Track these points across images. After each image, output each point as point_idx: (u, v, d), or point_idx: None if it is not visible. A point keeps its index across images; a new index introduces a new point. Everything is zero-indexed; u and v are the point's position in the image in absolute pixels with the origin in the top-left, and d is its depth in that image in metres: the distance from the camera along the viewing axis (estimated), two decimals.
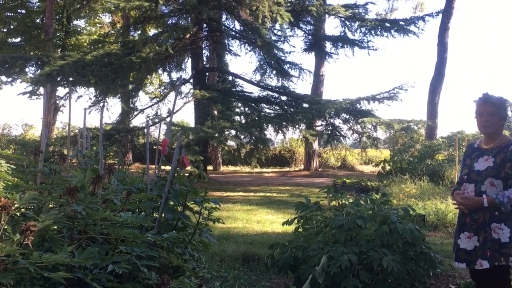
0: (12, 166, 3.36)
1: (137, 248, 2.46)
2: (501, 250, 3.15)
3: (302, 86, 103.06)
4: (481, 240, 3.21)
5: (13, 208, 1.81)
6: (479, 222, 3.24)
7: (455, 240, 3.43)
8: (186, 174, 3.40)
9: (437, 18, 19.19)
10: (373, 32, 19.01)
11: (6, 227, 1.87)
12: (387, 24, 18.81)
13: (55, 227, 2.33)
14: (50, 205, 2.60)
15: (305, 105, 18.17)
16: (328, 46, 20.27)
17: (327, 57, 20.86)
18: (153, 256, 2.54)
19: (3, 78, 21.73)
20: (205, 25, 18.53)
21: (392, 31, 18.66)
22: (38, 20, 26.53)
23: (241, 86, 20.22)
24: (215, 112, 16.81)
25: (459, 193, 3.40)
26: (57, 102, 23.13)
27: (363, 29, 19.21)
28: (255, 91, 19.88)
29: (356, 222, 3.81)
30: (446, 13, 19.81)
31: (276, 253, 4.26)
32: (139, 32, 19.99)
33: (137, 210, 3.38)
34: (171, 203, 3.28)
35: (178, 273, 3.06)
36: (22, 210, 2.50)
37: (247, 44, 19.53)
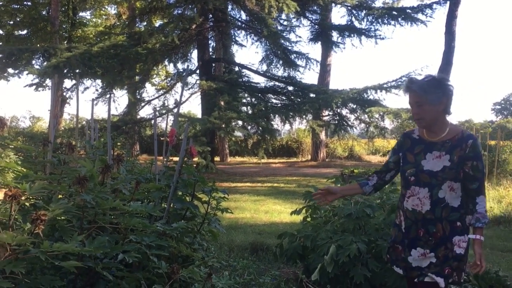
0: (21, 157, 3.37)
1: (147, 237, 2.46)
2: (460, 265, 2.60)
3: (308, 76, 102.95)
4: (441, 258, 2.59)
5: (23, 197, 1.82)
6: (437, 236, 2.59)
7: (395, 255, 2.77)
8: (194, 165, 3.39)
9: (445, 6, 18.96)
10: (380, 20, 18.87)
11: (16, 216, 1.88)
12: (394, 13, 18.64)
13: (65, 217, 2.34)
14: (60, 196, 2.61)
15: (311, 95, 18.11)
16: (335, 35, 20.14)
17: (333, 46, 20.73)
18: (162, 245, 2.54)
19: (10, 70, 21.84)
20: (211, 16, 18.49)
21: (399, 19, 18.51)
22: (44, 12, 26.52)
23: (247, 77, 20.21)
24: (222, 103, 16.80)
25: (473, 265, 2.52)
26: (64, 94, 23.19)
27: (370, 18, 19.06)
28: (262, 82, 19.84)
29: (364, 211, 3.80)
30: (454, 0, 19.60)
31: (284, 242, 4.27)
32: (145, 23, 19.98)
33: (145, 200, 3.39)
34: (180, 193, 3.28)
35: (188, 262, 3.07)
36: (32, 200, 2.51)
37: (253, 35, 19.49)
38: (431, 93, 2.56)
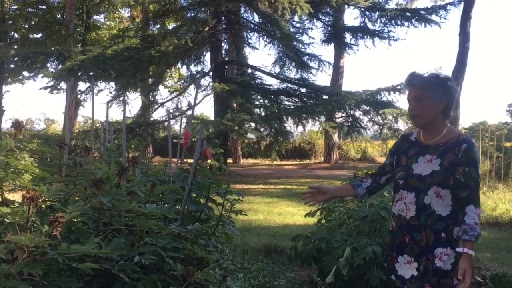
0: (36, 159, 3.40)
1: (162, 239, 2.46)
2: (441, 280, 2.38)
3: (321, 78, 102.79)
4: (422, 270, 2.42)
5: (40, 200, 1.83)
6: (422, 244, 2.42)
7: (392, 265, 2.59)
8: (207, 167, 3.40)
9: (459, 7, 18.82)
10: (393, 22, 18.76)
11: (34, 218, 1.89)
12: (408, 14, 18.53)
13: (81, 219, 2.36)
14: (76, 198, 2.63)
15: (324, 97, 18.08)
16: (348, 37, 20.04)
17: (346, 48, 20.64)
18: (178, 247, 2.54)
19: (25, 73, 22.13)
20: (223, 18, 18.53)
21: (413, 20, 18.38)
22: (58, 16, 26.83)
23: (260, 79, 20.21)
24: (235, 105, 16.82)
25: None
26: (78, 96, 23.40)
27: (383, 19, 18.95)
28: (275, 84, 19.85)
29: (379, 213, 3.78)
30: (468, 1, 19.42)
31: (299, 244, 4.26)
32: (158, 26, 20.09)
33: (160, 202, 3.40)
34: (194, 195, 3.28)
35: (202, 264, 3.07)
36: (48, 202, 2.53)
37: (265, 37, 19.47)
38: (433, 90, 2.41)
